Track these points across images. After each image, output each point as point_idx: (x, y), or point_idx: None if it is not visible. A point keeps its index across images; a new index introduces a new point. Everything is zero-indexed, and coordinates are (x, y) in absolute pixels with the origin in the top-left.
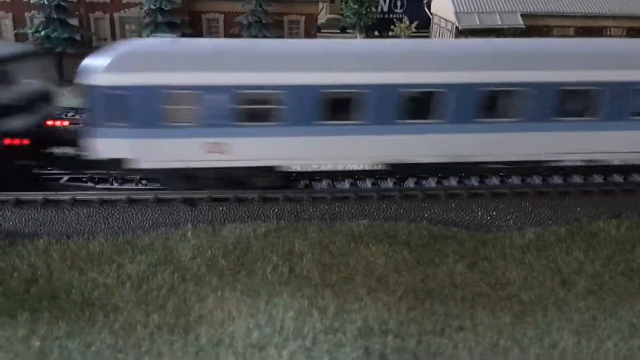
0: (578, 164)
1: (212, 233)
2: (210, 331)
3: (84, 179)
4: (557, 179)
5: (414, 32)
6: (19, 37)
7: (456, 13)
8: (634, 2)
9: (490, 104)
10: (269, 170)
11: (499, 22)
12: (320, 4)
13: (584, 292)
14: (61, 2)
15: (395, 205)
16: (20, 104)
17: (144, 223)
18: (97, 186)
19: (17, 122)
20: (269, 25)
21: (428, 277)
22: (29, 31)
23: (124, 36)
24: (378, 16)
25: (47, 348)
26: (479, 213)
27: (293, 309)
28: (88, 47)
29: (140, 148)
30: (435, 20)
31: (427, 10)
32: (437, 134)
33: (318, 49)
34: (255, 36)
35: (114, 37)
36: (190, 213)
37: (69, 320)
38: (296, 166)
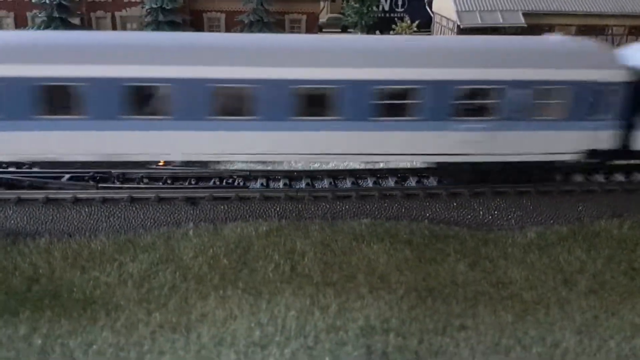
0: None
1: (213, 232)
2: (212, 330)
3: (86, 178)
4: (559, 178)
5: (415, 31)
6: None
7: (458, 12)
8: (636, 0)
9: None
10: None
11: (501, 21)
12: (322, 3)
13: (585, 291)
14: (63, 1)
15: (396, 204)
16: None
17: (146, 222)
18: (100, 185)
19: None
20: (270, 24)
21: (430, 275)
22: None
23: None
24: (379, 15)
25: (49, 346)
26: (481, 212)
27: (295, 307)
28: None
29: None
30: (436, 19)
31: (428, 9)
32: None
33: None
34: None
35: None
36: (191, 212)
37: (70, 319)
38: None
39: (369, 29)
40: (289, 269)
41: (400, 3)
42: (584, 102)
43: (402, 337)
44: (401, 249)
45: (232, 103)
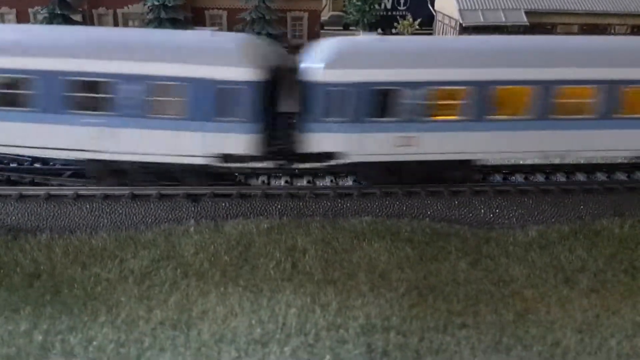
0: None
1: (214, 229)
2: (213, 327)
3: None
4: (560, 177)
5: (417, 30)
6: None
7: (460, 10)
8: None
9: None
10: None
11: (503, 20)
12: (324, 1)
13: (586, 290)
14: None
15: (398, 203)
16: None
17: (147, 218)
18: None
19: None
20: (272, 21)
21: (431, 274)
22: None
23: None
24: (381, 13)
25: (50, 342)
26: (482, 210)
27: (295, 305)
28: None
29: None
30: (439, 17)
31: (430, 8)
32: None
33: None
34: (258, 33)
35: None
36: (192, 209)
37: (71, 315)
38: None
39: (371, 27)
40: (290, 267)
41: (402, 1)
42: (206, 101)
43: (403, 335)
44: (402, 247)
45: None
